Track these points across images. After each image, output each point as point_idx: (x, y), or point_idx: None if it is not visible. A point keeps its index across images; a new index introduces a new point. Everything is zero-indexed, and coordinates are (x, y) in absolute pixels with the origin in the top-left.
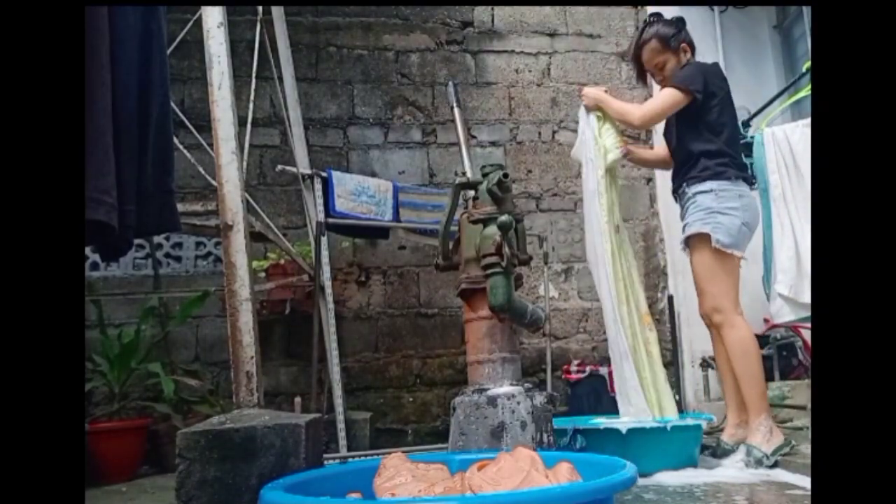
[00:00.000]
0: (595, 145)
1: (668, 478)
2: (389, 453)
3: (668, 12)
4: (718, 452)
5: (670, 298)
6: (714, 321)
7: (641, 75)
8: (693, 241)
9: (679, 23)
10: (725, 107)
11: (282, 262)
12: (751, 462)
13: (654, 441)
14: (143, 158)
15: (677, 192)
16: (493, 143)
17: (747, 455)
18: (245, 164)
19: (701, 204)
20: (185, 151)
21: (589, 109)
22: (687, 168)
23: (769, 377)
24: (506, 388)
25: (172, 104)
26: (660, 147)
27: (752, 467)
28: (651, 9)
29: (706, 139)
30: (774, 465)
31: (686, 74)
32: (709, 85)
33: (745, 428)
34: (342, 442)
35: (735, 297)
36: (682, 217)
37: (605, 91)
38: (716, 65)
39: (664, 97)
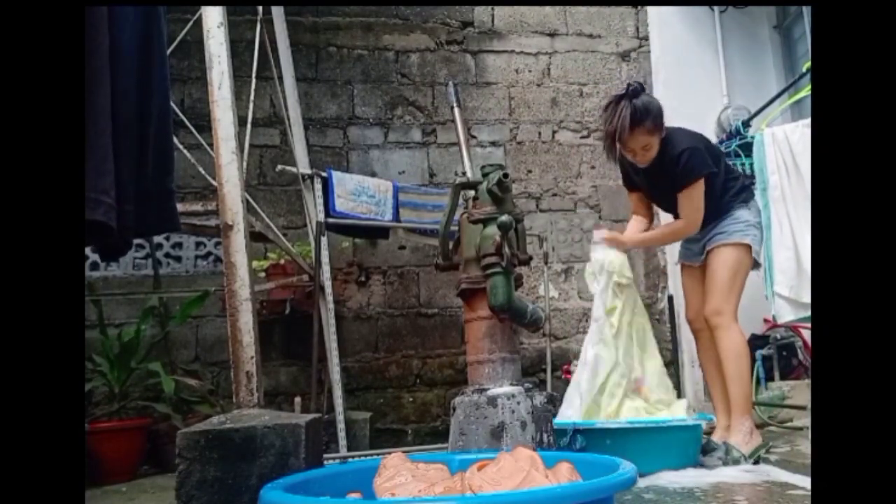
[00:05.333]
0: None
1: (669, 478)
2: (389, 453)
3: (669, 12)
4: (707, 451)
5: (670, 298)
6: (712, 322)
7: (614, 152)
8: (726, 248)
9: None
10: (717, 158)
11: (282, 262)
12: (728, 461)
13: (653, 441)
14: (143, 158)
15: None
16: (493, 143)
17: (726, 454)
18: (245, 164)
19: (740, 217)
20: (185, 151)
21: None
22: (720, 203)
23: (769, 377)
24: (506, 388)
25: (172, 104)
26: (637, 224)
27: (730, 465)
28: (651, 9)
29: (725, 178)
30: (756, 462)
31: (696, 162)
32: (711, 152)
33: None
34: (342, 442)
35: (737, 304)
36: (710, 231)
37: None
38: (681, 129)
39: (698, 192)
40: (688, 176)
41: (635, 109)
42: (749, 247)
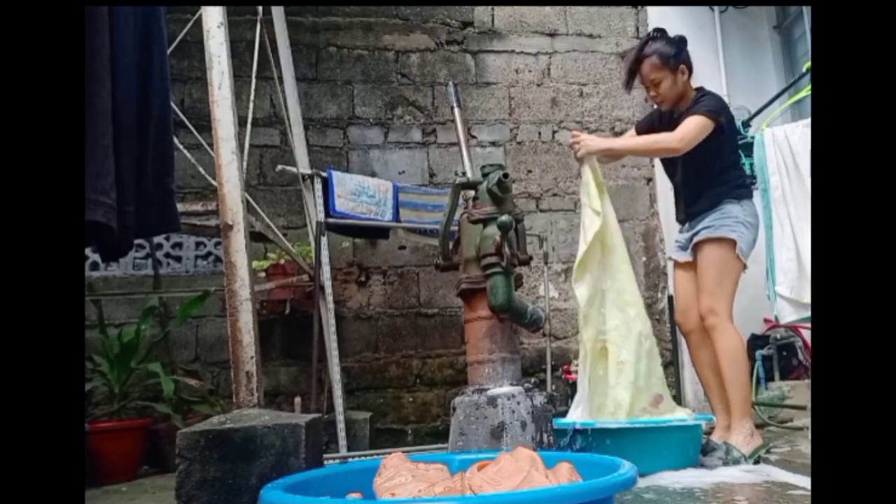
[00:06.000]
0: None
1: (669, 478)
2: (389, 453)
3: (669, 12)
4: (707, 451)
5: (670, 298)
6: (708, 322)
7: (629, 83)
8: (711, 244)
9: (681, 42)
10: (733, 134)
11: (282, 262)
12: (729, 461)
13: (653, 441)
14: (144, 159)
15: (693, 214)
16: (493, 143)
17: (726, 454)
18: (245, 164)
19: (729, 212)
20: (185, 151)
21: (585, 159)
22: (713, 188)
23: (769, 377)
24: (506, 388)
25: (172, 104)
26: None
27: (730, 465)
28: (651, 9)
29: (730, 162)
30: (756, 462)
31: (713, 105)
32: (728, 116)
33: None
34: (342, 442)
35: (731, 304)
36: (698, 223)
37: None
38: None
39: (699, 123)
40: (699, 107)
41: (647, 41)
42: (734, 242)
